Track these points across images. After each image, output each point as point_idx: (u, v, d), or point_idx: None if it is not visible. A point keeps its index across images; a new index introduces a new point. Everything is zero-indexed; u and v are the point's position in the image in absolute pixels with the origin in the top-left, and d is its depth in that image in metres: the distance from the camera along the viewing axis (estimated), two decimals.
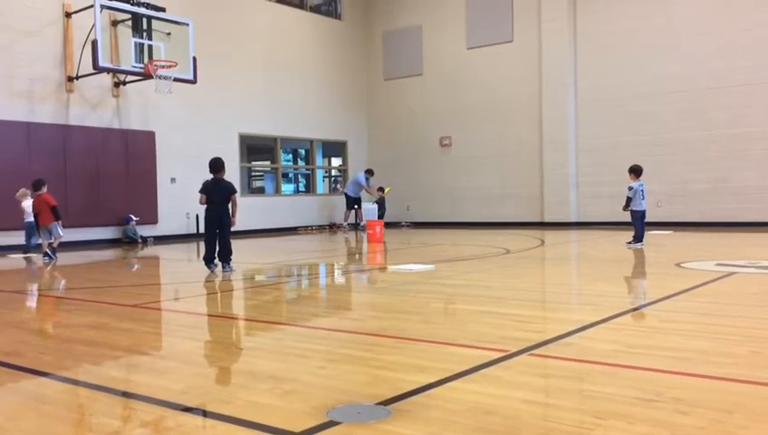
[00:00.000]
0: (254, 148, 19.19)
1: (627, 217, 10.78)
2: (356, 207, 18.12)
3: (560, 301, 5.84)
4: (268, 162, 20.09)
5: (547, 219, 17.18)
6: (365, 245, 12.98)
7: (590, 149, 16.74)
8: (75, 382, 3.29)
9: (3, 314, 5.80)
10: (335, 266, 9.47)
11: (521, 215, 17.66)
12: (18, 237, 12.14)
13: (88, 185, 13.84)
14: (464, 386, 2.97)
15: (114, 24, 13.97)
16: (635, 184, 10.39)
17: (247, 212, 16.84)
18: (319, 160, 20.54)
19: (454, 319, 4.92)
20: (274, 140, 18.35)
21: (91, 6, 12.51)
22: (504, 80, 17.95)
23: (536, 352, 3.57)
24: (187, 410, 2.73)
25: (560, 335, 3.95)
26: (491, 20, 18.21)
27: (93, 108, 14.14)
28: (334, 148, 20.65)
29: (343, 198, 18.37)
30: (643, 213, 10.50)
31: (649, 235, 11.46)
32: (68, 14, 13.49)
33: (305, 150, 20.56)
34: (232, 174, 16.88)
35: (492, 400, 2.74)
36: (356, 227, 18.09)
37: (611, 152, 16.12)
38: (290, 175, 21.36)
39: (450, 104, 18.95)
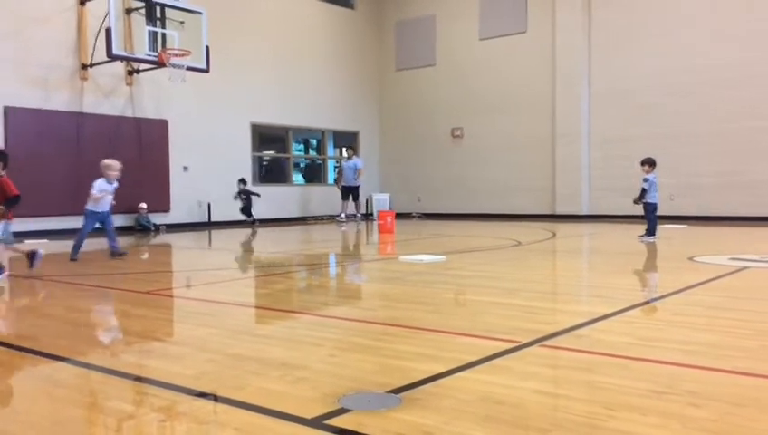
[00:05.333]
0: (266, 137, 19.23)
1: (639, 210, 10.72)
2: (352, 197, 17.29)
3: (571, 293, 5.82)
4: (279, 152, 20.11)
5: (559, 212, 17.12)
6: (375, 235, 12.99)
7: (602, 142, 16.65)
8: (89, 367, 3.32)
9: (17, 299, 5.86)
10: (346, 256, 9.49)
11: (532, 207, 17.61)
12: (36, 223, 12.27)
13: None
14: (474, 376, 2.98)
15: (128, 12, 14.00)
16: (650, 176, 10.31)
17: (258, 201, 16.91)
18: (330, 150, 20.55)
19: (464, 310, 4.92)
20: (286, 129, 18.37)
21: None
22: (517, 71, 17.86)
23: (547, 343, 3.57)
24: (201, 395, 2.76)
25: (571, 327, 3.94)
26: (504, 10, 18.10)
27: (107, 96, 14.21)
28: (346, 138, 20.65)
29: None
30: (656, 206, 10.44)
31: (662, 228, 11.39)
32: (82, 2, 13.54)
33: (317, 140, 20.58)
34: (243, 163, 16.99)
35: (502, 390, 2.75)
36: (363, 218, 17.93)
37: (624, 145, 16.02)
38: (301, 165, 21.39)
39: (462, 95, 18.89)
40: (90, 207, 8.37)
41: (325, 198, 19.07)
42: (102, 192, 8.31)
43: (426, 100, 19.67)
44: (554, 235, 12.00)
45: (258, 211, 16.72)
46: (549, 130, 17.40)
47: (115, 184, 8.47)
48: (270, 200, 17.51)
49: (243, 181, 16.38)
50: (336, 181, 17.88)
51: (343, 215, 16.87)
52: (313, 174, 20.90)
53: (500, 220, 16.82)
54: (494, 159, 18.36)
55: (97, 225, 8.44)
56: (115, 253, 8.43)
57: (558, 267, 7.93)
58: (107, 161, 8.54)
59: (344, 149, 18.28)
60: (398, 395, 2.67)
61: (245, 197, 16.32)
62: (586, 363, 3.21)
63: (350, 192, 17.13)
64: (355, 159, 17.33)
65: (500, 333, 3.79)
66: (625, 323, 4.17)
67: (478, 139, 18.65)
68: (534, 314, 4.50)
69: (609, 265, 7.77)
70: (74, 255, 8.30)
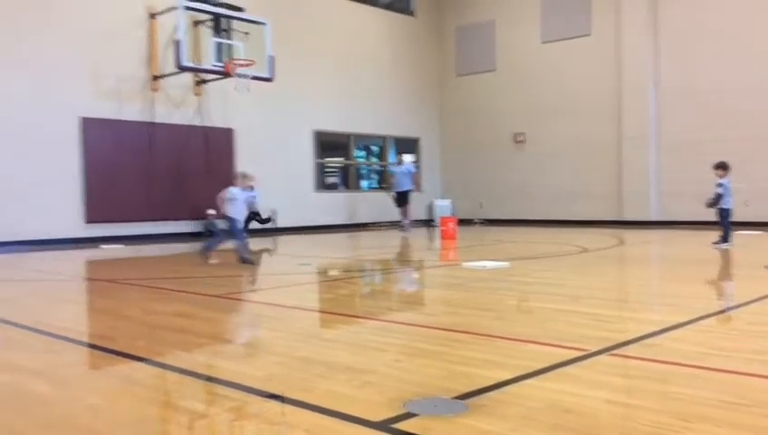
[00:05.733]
0: (328, 144, 19.48)
1: (711, 216, 10.33)
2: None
3: (641, 301, 5.68)
4: (342, 158, 20.35)
5: (626, 217, 16.68)
6: (438, 241, 12.97)
7: (671, 146, 16.13)
8: (164, 367, 3.46)
9: (96, 301, 6.14)
10: (408, 262, 9.51)
11: (599, 213, 17.21)
12: (112, 229, 12.80)
13: (171, 180, 14.40)
14: (541, 383, 2.95)
15: (196, 24, 14.48)
16: (724, 181, 9.93)
17: (319, 207, 17.15)
18: (391, 157, 20.63)
19: (530, 316, 4.87)
20: (348, 136, 18.58)
21: (175, 8, 13.01)
22: (581, 75, 17.52)
23: (617, 352, 3.49)
24: (271, 396, 2.83)
25: (642, 336, 3.85)
26: (567, 13, 17.81)
27: (177, 106, 14.71)
28: (407, 144, 20.69)
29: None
30: (729, 211, 10.03)
31: (737, 235, 10.95)
32: (152, 16, 14.08)
33: (378, 147, 20.71)
34: (306, 170, 17.27)
35: (571, 398, 2.71)
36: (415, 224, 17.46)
37: (694, 148, 15.46)
38: (362, 171, 21.56)
39: (524, 100, 18.66)
40: (229, 213, 8.56)
41: (386, 204, 19.14)
42: (231, 196, 8.51)
43: (487, 105, 19.53)
44: (622, 241, 11.70)
45: (321, 218, 16.90)
46: (615, 134, 16.99)
47: (250, 193, 8.76)
48: (331, 207, 17.72)
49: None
50: (389, 188, 17.56)
51: (406, 221, 16.79)
52: (375, 180, 21.03)
53: (564, 226, 16.52)
54: (558, 165, 18.04)
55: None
56: (205, 253, 8.73)
57: (627, 275, 7.73)
58: (243, 171, 8.92)
59: (396, 155, 18.01)
60: (464, 401, 2.67)
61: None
62: (658, 373, 3.14)
63: (403, 197, 16.80)
64: (407, 164, 17.15)
65: (568, 341, 3.74)
66: (699, 332, 4.04)
67: (541, 144, 18.37)
68: (603, 322, 4.41)
69: (681, 272, 7.53)
70: (246, 254, 8.54)
